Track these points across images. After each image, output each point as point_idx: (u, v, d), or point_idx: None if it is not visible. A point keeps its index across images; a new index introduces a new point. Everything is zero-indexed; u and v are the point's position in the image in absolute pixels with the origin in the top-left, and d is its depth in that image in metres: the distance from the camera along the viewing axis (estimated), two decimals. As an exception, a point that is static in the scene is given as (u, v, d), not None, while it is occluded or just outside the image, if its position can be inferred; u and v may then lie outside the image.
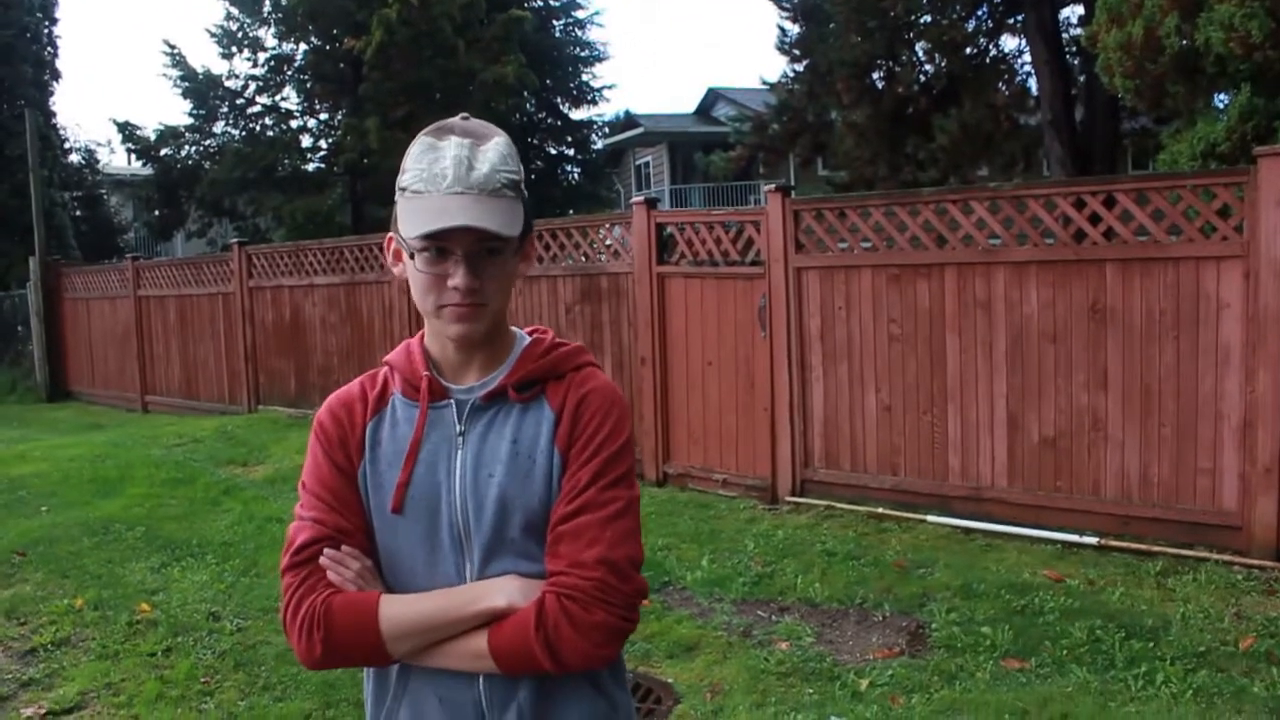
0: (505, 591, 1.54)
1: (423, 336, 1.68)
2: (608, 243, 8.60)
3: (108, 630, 5.27)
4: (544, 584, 1.54)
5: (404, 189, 1.55)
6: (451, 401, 1.62)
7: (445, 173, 1.51)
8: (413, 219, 1.52)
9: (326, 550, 1.59)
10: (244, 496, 7.93)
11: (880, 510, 6.63)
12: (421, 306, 1.60)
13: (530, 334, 1.71)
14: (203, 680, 4.63)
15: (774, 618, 5.13)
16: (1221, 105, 9.81)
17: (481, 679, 1.58)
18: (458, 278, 1.52)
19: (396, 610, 1.55)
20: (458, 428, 1.61)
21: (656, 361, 7.98)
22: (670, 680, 4.45)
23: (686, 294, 7.83)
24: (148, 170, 24.76)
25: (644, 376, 8.07)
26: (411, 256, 1.56)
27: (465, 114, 1.66)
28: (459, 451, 1.60)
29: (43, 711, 4.44)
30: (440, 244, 1.52)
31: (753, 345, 7.40)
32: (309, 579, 1.58)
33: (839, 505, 6.85)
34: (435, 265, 1.54)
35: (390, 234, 1.64)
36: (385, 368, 1.71)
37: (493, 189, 1.52)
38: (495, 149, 1.55)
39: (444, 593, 1.57)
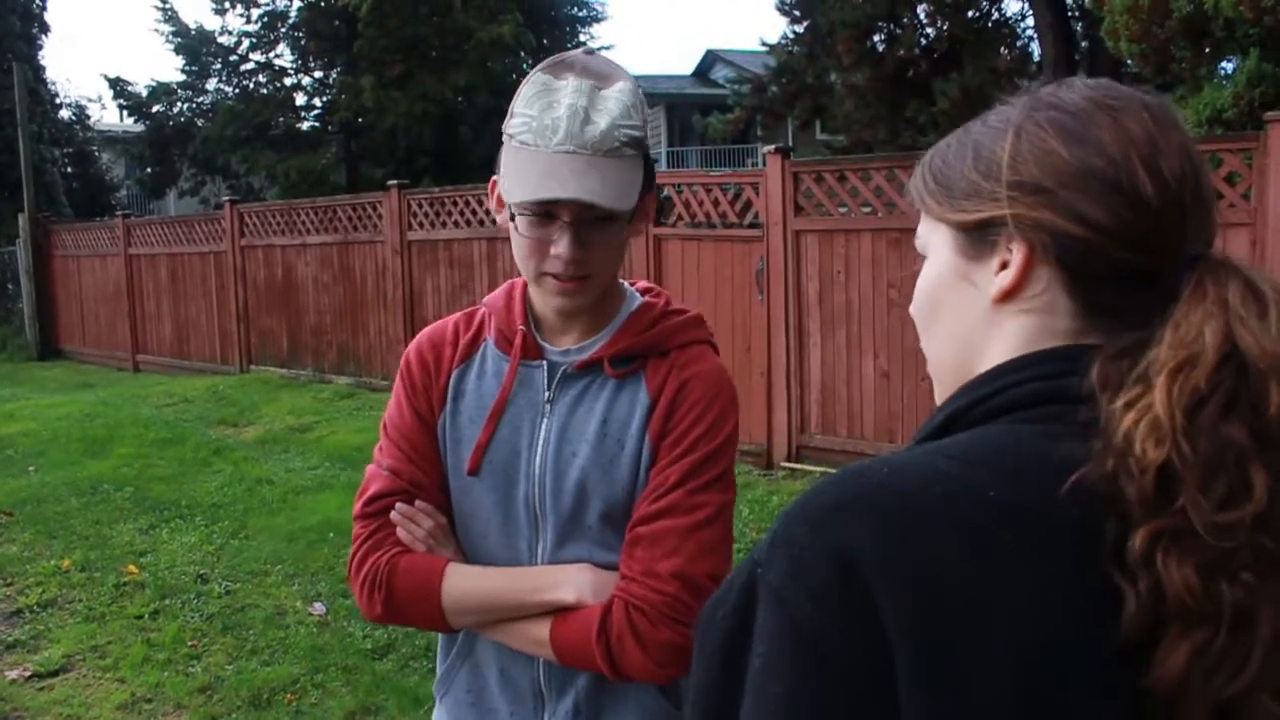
0: (576, 584, 1.43)
1: (528, 283, 1.52)
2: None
3: (95, 592, 5.22)
4: (615, 584, 1.42)
5: (511, 136, 1.40)
6: (544, 363, 1.49)
7: (558, 125, 1.35)
8: (517, 178, 1.37)
9: (398, 505, 1.49)
10: (234, 457, 7.85)
11: (877, 477, 6.57)
12: (523, 270, 1.46)
13: (643, 293, 1.56)
14: (190, 643, 4.57)
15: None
16: (1228, 71, 9.68)
17: (540, 660, 1.50)
18: (561, 246, 1.38)
19: (461, 583, 1.46)
20: (546, 394, 1.48)
21: (652, 325, 7.88)
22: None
23: (683, 256, 7.73)
24: (140, 127, 24.49)
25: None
26: (513, 217, 1.41)
27: (589, 47, 1.50)
28: (544, 420, 1.48)
29: (28, 674, 4.38)
30: (544, 208, 1.37)
31: (750, 309, 7.32)
32: (377, 533, 1.49)
33: (835, 471, 6.78)
34: (537, 229, 1.39)
35: (495, 177, 1.47)
36: (482, 308, 1.57)
37: (610, 148, 1.36)
38: (618, 97, 1.38)
39: (513, 573, 1.47)
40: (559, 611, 1.43)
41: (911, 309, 0.92)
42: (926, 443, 0.81)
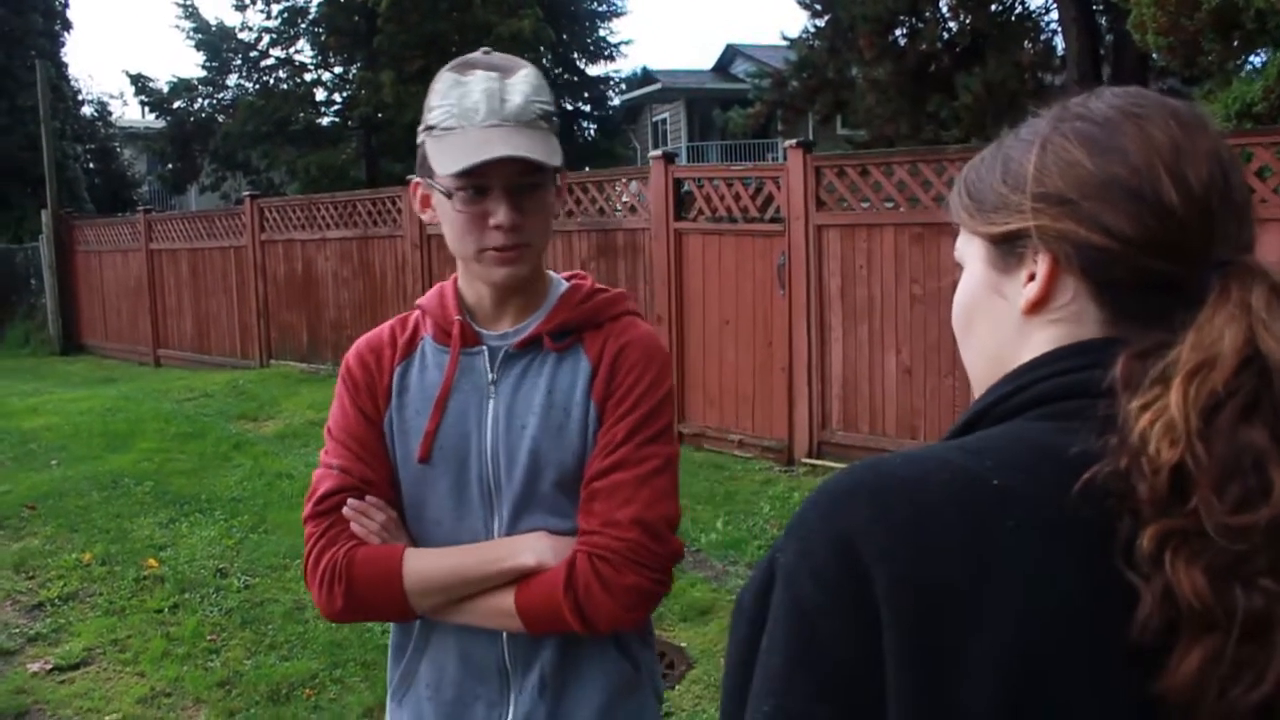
0: (535, 549, 1.48)
1: (456, 279, 1.59)
2: (624, 198, 8.44)
3: (115, 586, 5.22)
4: (575, 542, 1.47)
5: (432, 127, 1.46)
6: (484, 348, 1.55)
7: (478, 106, 1.43)
8: (447, 156, 1.43)
9: (350, 501, 1.52)
10: (254, 452, 7.86)
11: (899, 474, 6.50)
12: (460, 251, 1.50)
13: (569, 279, 1.62)
14: (209, 637, 4.57)
15: (790, 582, 5.02)
16: (1258, 64, 9.55)
17: (505, 637, 1.53)
18: (500, 214, 1.44)
19: (421, 565, 1.49)
20: (490, 376, 1.54)
21: (673, 320, 7.85)
22: (684, 645, 4.37)
23: (704, 251, 7.68)
24: (161, 123, 24.59)
25: (660, 335, 7.92)
26: (448, 196, 1.46)
27: (486, 48, 1.55)
28: (490, 401, 1.53)
29: (49, 667, 4.39)
30: (479, 180, 1.43)
31: (771, 304, 7.26)
32: (331, 530, 1.52)
33: (857, 468, 6.73)
34: (474, 204, 1.45)
35: (416, 179, 1.54)
36: (416, 311, 1.62)
37: (529, 120, 1.44)
38: (526, 79, 1.47)
39: (471, 548, 1.51)
40: (521, 579, 1.47)
41: (953, 320, 0.95)
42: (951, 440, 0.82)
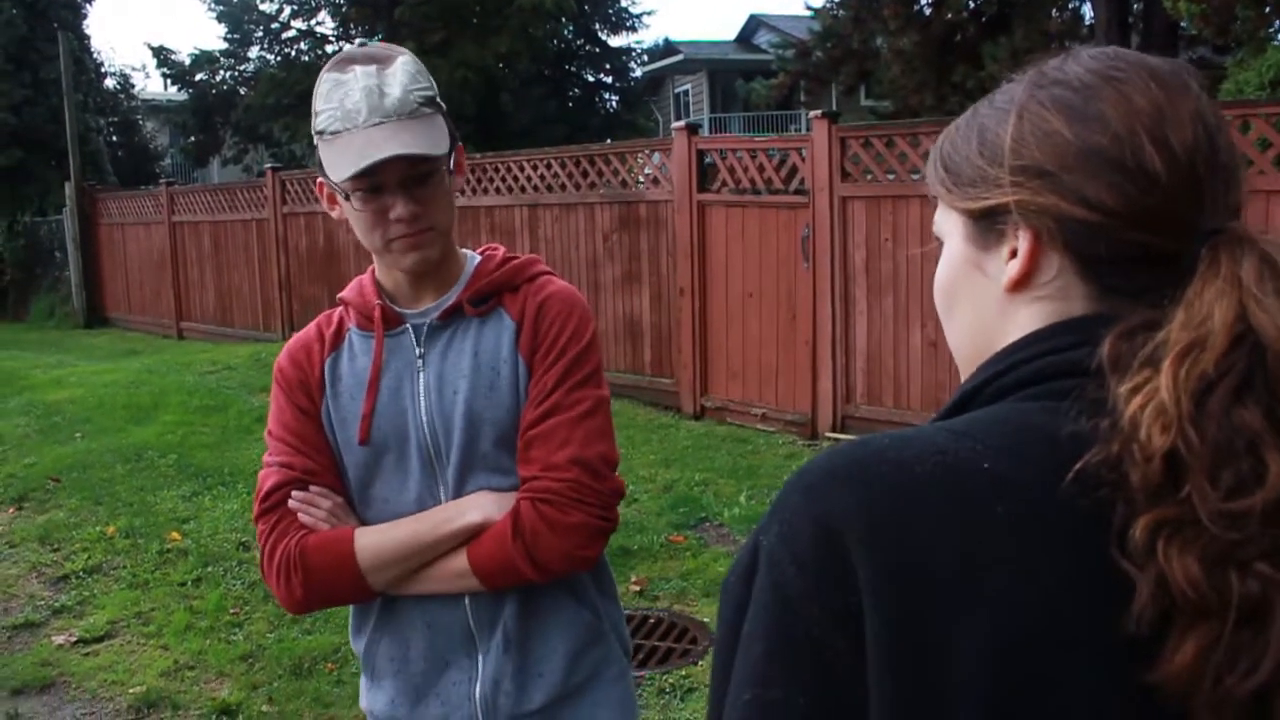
0: (479, 506, 1.52)
1: (374, 270, 1.65)
2: (647, 170, 8.37)
3: (139, 559, 5.24)
4: (518, 492, 1.50)
5: (321, 132, 1.50)
6: (408, 326, 1.59)
7: (359, 106, 1.46)
8: (338, 161, 1.47)
9: (294, 493, 1.55)
10: (277, 425, 7.86)
11: (924, 448, 6.45)
12: (369, 245, 1.54)
13: (481, 253, 1.67)
14: (232, 611, 4.57)
15: (814, 557, 4.98)
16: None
17: (467, 600, 1.56)
18: (398, 208, 1.48)
19: (372, 541, 1.52)
20: (417, 351, 1.58)
21: (696, 292, 7.79)
22: (706, 620, 4.34)
23: (728, 223, 7.60)
24: (183, 96, 24.61)
25: (683, 307, 7.89)
26: (347, 198, 1.50)
27: (362, 40, 1.55)
28: (421, 374, 1.57)
29: (73, 639, 4.41)
30: (372, 180, 1.46)
31: (795, 277, 7.19)
32: (280, 524, 1.55)
33: (881, 443, 6.67)
34: (372, 202, 1.49)
35: (319, 179, 1.56)
36: (340, 306, 1.67)
37: (410, 110, 1.47)
38: (402, 69, 1.50)
39: (418, 516, 1.54)
40: (471, 539, 1.51)
41: (935, 298, 0.91)
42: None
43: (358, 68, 1.48)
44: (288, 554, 1.52)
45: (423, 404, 1.55)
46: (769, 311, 7.40)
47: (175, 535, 5.48)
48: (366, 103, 1.45)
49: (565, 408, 1.51)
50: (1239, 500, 0.65)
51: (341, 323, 1.65)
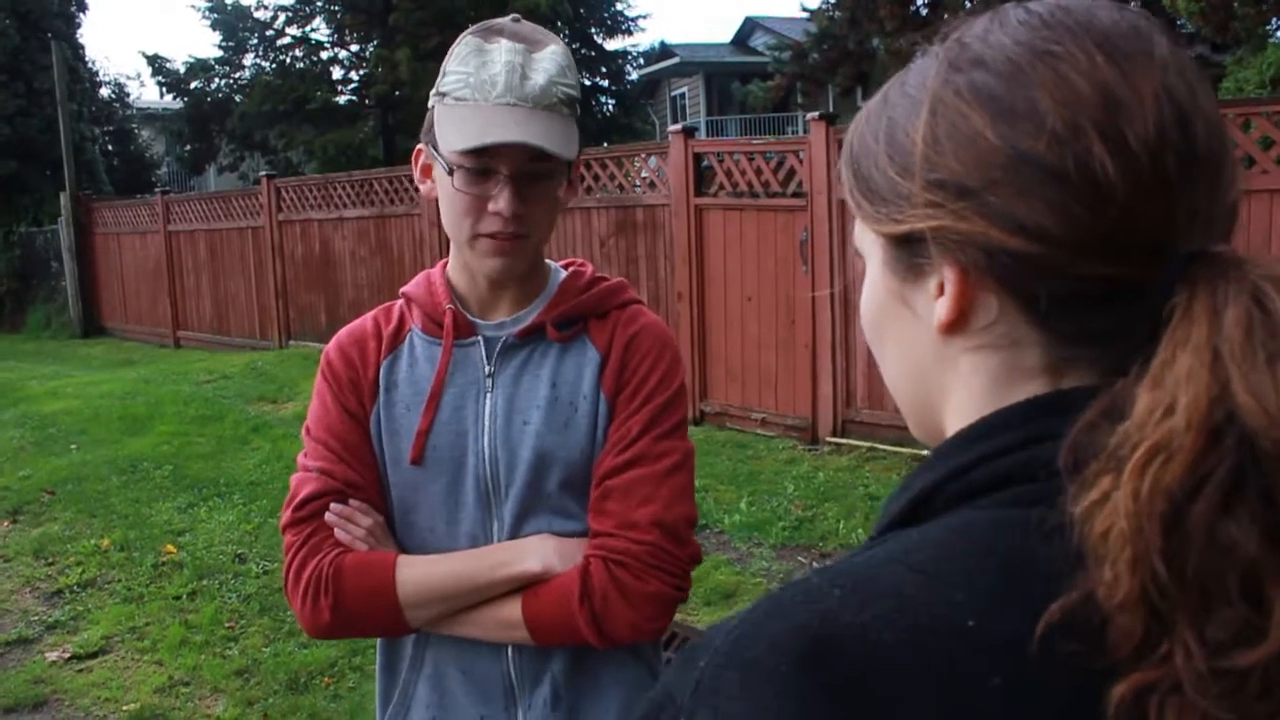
0: (540, 553, 1.36)
1: (445, 266, 1.47)
2: (644, 174, 8.32)
3: (134, 572, 5.18)
4: (586, 545, 1.35)
5: (444, 94, 1.35)
6: (479, 339, 1.43)
7: (495, 80, 1.31)
8: (454, 130, 1.32)
9: (333, 506, 1.39)
10: (273, 435, 7.81)
11: (925, 453, 6.35)
12: (453, 233, 1.38)
13: (566, 267, 1.50)
14: (227, 625, 4.51)
15: (815, 564, 4.93)
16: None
17: (510, 650, 1.40)
18: (501, 202, 1.32)
19: (417, 573, 1.36)
20: (486, 369, 1.41)
21: (694, 296, 7.74)
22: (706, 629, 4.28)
23: (725, 227, 7.55)
24: (178, 104, 24.56)
25: (681, 312, 7.83)
26: (450, 173, 1.34)
27: (516, 15, 1.41)
28: (488, 395, 1.41)
29: (67, 655, 4.35)
30: (484, 162, 1.31)
31: (794, 280, 7.14)
32: (313, 537, 1.39)
33: (882, 447, 6.63)
34: (475, 185, 1.33)
35: (420, 145, 1.41)
36: (401, 300, 1.49)
37: (549, 103, 1.33)
38: (552, 58, 1.35)
39: (471, 554, 1.38)
40: (527, 587, 1.35)
41: (863, 326, 0.74)
42: (891, 533, 0.62)
43: (505, 41, 1.34)
44: (319, 573, 1.36)
45: (486, 429, 1.40)
46: (768, 315, 7.35)
47: (170, 548, 5.43)
48: (506, 79, 1.31)
49: (650, 459, 1.36)
50: (1233, 656, 0.49)
51: (403, 321, 1.47)
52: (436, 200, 1.41)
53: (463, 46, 1.36)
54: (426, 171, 1.42)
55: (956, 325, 0.63)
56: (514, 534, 1.40)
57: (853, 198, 0.69)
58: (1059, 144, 0.57)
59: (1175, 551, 0.50)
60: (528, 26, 1.39)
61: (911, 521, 0.62)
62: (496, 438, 1.39)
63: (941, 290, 0.62)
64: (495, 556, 1.37)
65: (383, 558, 1.38)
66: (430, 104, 1.39)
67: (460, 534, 1.41)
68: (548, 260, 1.51)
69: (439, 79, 1.37)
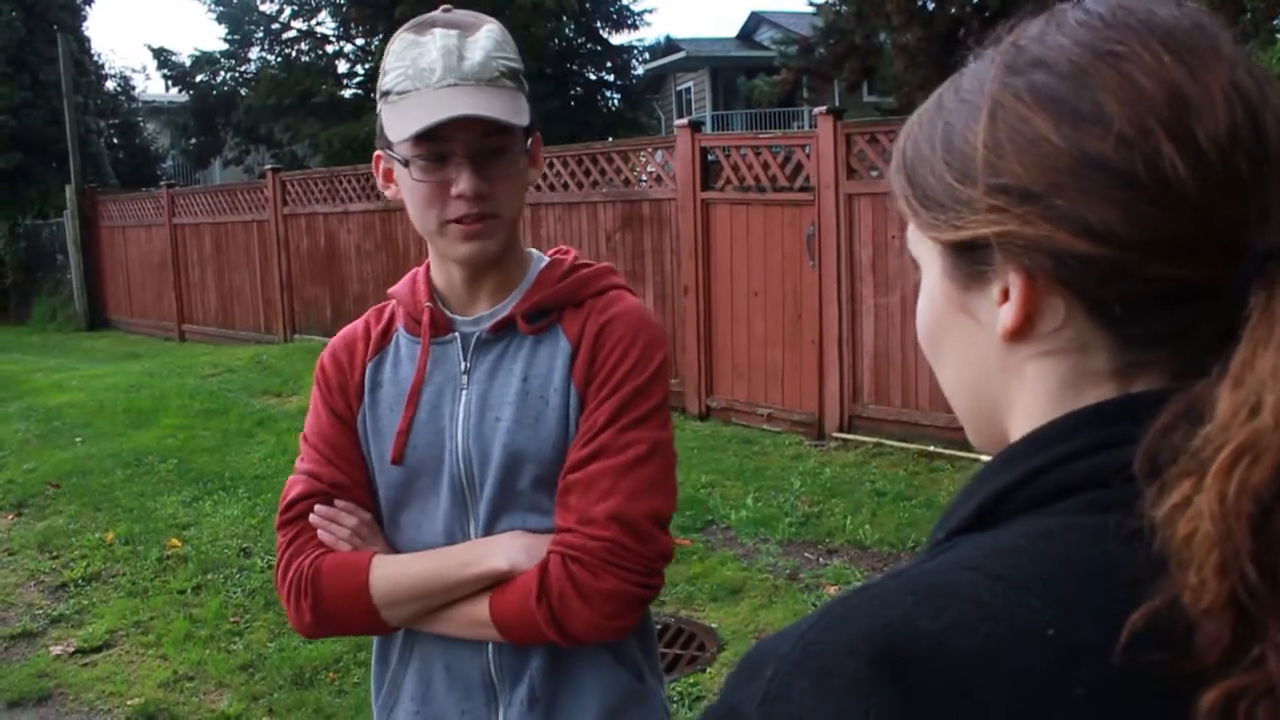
0: (506, 551, 1.35)
1: (429, 265, 1.47)
2: (650, 168, 8.29)
3: (138, 566, 5.17)
4: (550, 542, 1.33)
5: (387, 92, 1.34)
6: (456, 335, 1.42)
7: (433, 66, 1.31)
8: (401, 121, 1.31)
9: (317, 507, 1.40)
10: (277, 428, 7.80)
11: (932, 449, 6.37)
12: (422, 226, 1.37)
13: (550, 255, 1.48)
14: (232, 619, 4.50)
15: (822, 560, 4.91)
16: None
17: (490, 648, 1.40)
18: (462, 183, 1.31)
19: (389, 572, 1.37)
20: (462, 365, 1.41)
21: (700, 291, 7.71)
22: (714, 625, 4.26)
23: (732, 221, 7.53)
24: (184, 97, 24.56)
25: (687, 307, 7.81)
26: (406, 165, 1.33)
27: (447, 5, 1.40)
28: (463, 393, 1.40)
29: (71, 649, 4.33)
30: (438, 147, 1.30)
31: (800, 275, 7.11)
32: (298, 538, 1.41)
33: (888, 442, 6.60)
34: (434, 172, 1.32)
35: (377, 151, 1.40)
36: (392, 301, 1.50)
37: (490, 78, 1.32)
38: (488, 35, 1.35)
39: (440, 552, 1.38)
40: (495, 585, 1.35)
41: (919, 336, 0.73)
42: (959, 538, 0.60)
43: (437, 30, 1.34)
44: (300, 574, 1.38)
45: (460, 427, 1.39)
46: (774, 310, 7.32)
47: (175, 542, 5.41)
48: (443, 63, 1.30)
49: (613, 451, 1.32)
50: None
51: (391, 321, 1.49)
52: (403, 200, 1.40)
53: (398, 44, 1.36)
54: (388, 176, 1.42)
55: (1022, 331, 0.62)
56: (488, 531, 1.39)
57: (908, 205, 0.67)
58: (1126, 145, 0.56)
59: (1265, 553, 0.49)
60: (460, 13, 1.38)
61: (978, 527, 0.60)
62: (470, 435, 1.39)
63: (1006, 296, 0.62)
64: (464, 555, 1.37)
65: (358, 559, 1.39)
66: (378, 109, 1.38)
67: (439, 532, 1.41)
68: (531, 249, 1.49)
69: (380, 80, 1.36)
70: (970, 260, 0.63)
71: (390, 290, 1.51)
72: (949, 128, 0.64)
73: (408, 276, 1.50)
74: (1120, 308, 0.59)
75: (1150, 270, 0.57)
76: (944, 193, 0.63)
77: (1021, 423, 0.64)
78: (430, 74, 1.30)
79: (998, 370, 0.65)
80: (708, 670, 3.92)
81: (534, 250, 1.50)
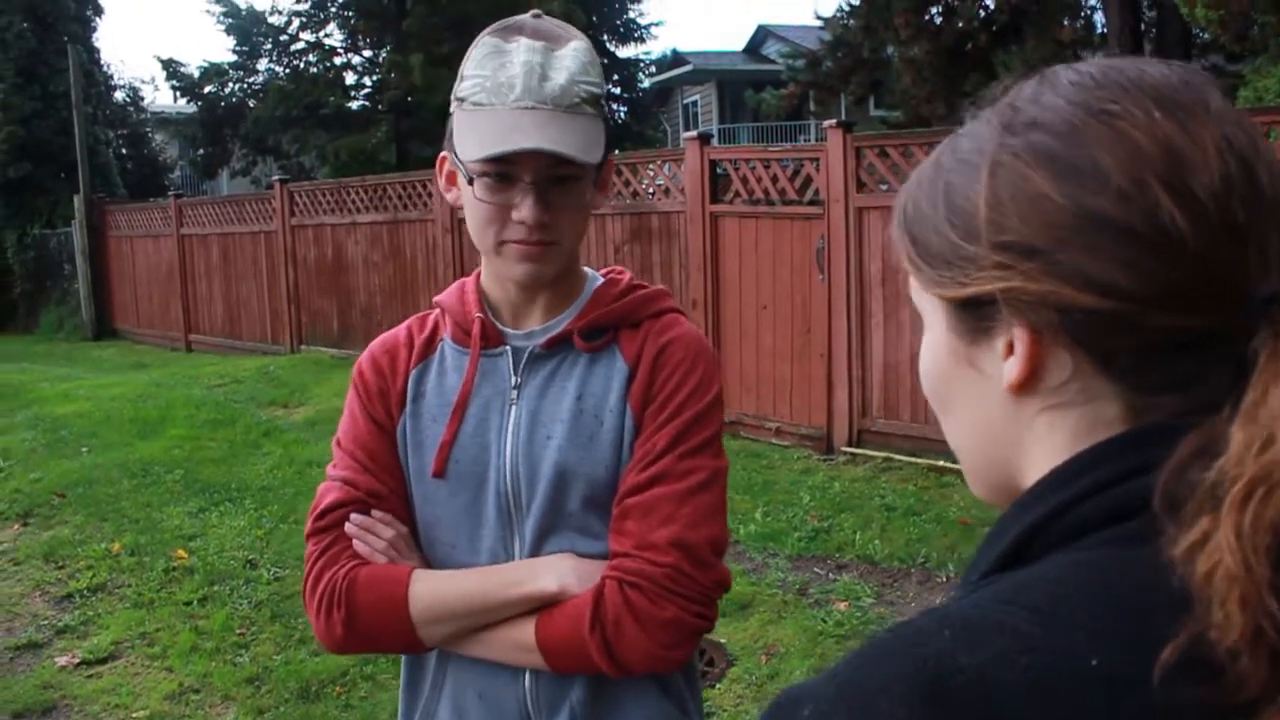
0: (557, 572, 1.30)
1: (479, 274, 1.42)
2: (659, 181, 8.28)
3: (144, 577, 5.15)
4: (604, 566, 1.28)
5: (462, 99, 1.31)
6: (507, 349, 1.38)
7: (513, 82, 1.26)
8: (473, 137, 1.27)
9: (353, 516, 1.35)
10: (284, 439, 7.78)
11: (942, 463, 6.33)
12: (480, 242, 1.33)
13: (605, 274, 1.44)
14: (238, 632, 4.48)
15: (831, 575, 4.88)
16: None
17: (527, 674, 1.34)
18: (524, 210, 1.27)
19: (430, 588, 1.31)
20: (513, 380, 1.37)
21: (709, 304, 7.69)
22: (724, 641, 4.23)
23: (741, 234, 7.51)
24: (192, 108, 24.64)
25: (695, 320, 7.75)
26: (470, 181, 1.29)
27: (537, 10, 1.36)
28: (513, 408, 1.36)
29: (76, 661, 4.31)
30: (505, 169, 1.26)
31: (810, 289, 7.09)
32: (332, 548, 1.35)
33: (898, 457, 6.57)
34: (498, 193, 1.29)
35: (443, 153, 1.36)
36: (436, 310, 1.45)
37: (570, 104, 1.27)
38: (574, 55, 1.30)
39: (486, 570, 1.33)
40: (542, 608, 1.29)
41: (924, 387, 0.73)
42: (994, 577, 0.60)
43: (524, 40, 1.29)
44: (334, 584, 1.32)
45: (509, 443, 1.34)
46: (783, 324, 7.30)
47: (181, 553, 5.39)
48: (524, 81, 1.26)
49: (674, 477, 1.29)
50: None
51: (436, 330, 1.44)
52: (453, 210, 1.37)
53: (480, 48, 1.32)
54: (451, 179, 1.38)
55: (1028, 384, 0.63)
56: (535, 552, 1.34)
57: (911, 263, 0.69)
58: (1125, 200, 0.58)
59: None
60: (549, 22, 1.34)
61: (1012, 566, 0.60)
62: (519, 452, 1.34)
63: (1010, 350, 0.63)
64: (510, 574, 1.32)
65: (397, 571, 1.33)
66: (450, 109, 1.35)
67: (482, 550, 1.36)
68: (586, 268, 1.46)
69: (457, 83, 1.33)
70: (975, 315, 0.64)
71: (436, 299, 1.46)
72: (950, 187, 0.65)
73: (455, 286, 1.45)
74: (1126, 358, 0.60)
75: (1154, 320, 0.58)
76: (948, 250, 0.65)
77: (1037, 473, 0.64)
78: (509, 91, 1.27)
79: (1007, 421, 0.66)
80: (717, 686, 3.89)
81: (588, 269, 1.47)
